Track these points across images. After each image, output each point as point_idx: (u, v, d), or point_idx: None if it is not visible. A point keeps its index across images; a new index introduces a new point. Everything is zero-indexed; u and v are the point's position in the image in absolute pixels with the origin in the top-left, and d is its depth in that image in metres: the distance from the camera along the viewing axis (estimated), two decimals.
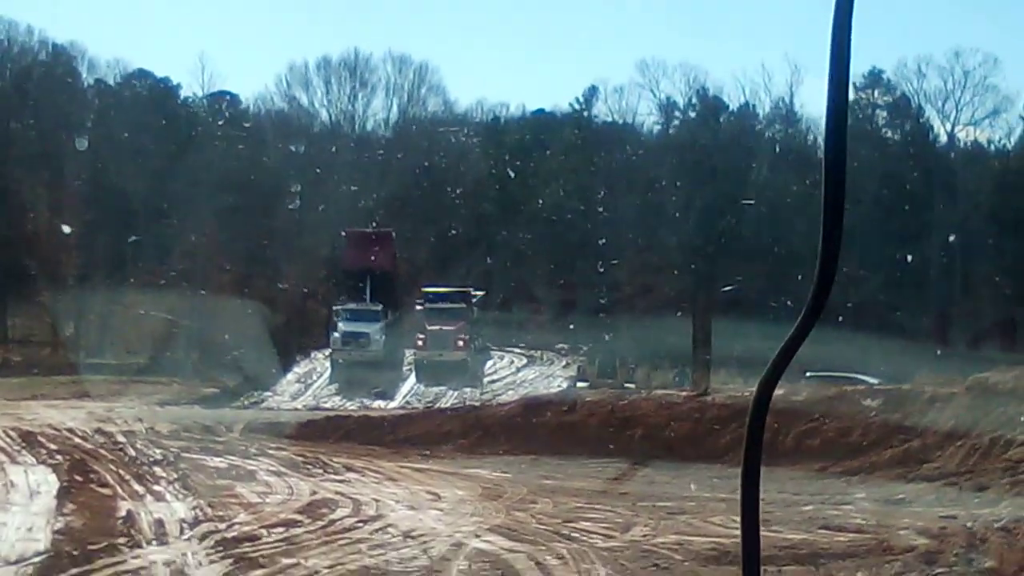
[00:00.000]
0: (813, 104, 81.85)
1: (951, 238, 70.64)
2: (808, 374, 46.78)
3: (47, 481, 26.09)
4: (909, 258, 70.88)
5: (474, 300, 65.02)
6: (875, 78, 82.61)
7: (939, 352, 53.80)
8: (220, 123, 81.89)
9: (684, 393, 40.25)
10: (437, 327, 59.20)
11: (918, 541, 19.45)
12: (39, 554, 17.92)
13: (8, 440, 32.95)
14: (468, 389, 56.60)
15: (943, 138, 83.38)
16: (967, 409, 30.72)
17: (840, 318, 62.88)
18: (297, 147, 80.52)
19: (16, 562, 17.32)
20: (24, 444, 32.48)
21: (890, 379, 43.11)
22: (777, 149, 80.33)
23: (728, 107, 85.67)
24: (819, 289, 1.80)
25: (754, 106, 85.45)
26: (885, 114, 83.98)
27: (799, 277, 54.49)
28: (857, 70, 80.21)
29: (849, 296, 68.78)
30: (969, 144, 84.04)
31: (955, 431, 29.93)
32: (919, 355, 51.89)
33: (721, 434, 32.56)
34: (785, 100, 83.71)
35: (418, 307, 62.15)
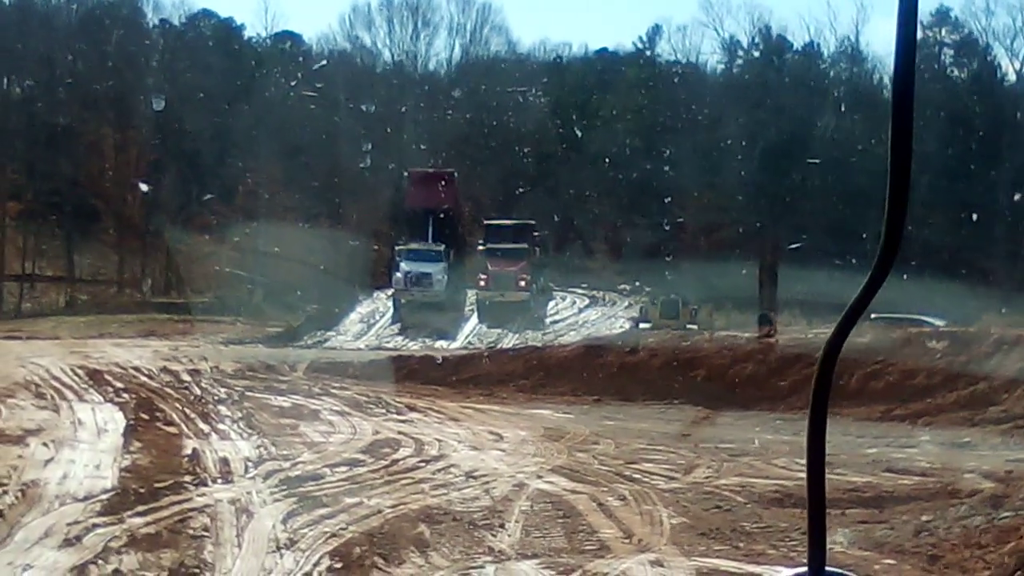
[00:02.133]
0: (879, 43, 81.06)
1: (1019, 178, 69.73)
2: (873, 316, 46.49)
3: (113, 419, 26.37)
4: (976, 199, 70.11)
5: (536, 236, 64.85)
6: (942, 16, 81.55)
7: (1007, 294, 53.22)
8: (284, 63, 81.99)
9: (747, 335, 40.07)
10: (499, 267, 59.14)
11: (984, 485, 19.28)
12: (106, 491, 18.11)
13: (75, 378, 33.36)
14: (530, 330, 56.61)
15: (1011, 77, 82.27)
16: None
17: (908, 260, 62.48)
18: (360, 87, 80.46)
19: (84, 499, 17.50)
20: (91, 382, 32.88)
21: (956, 321, 42.76)
22: (842, 89, 79.54)
23: (792, 46, 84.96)
24: (885, 253, 1.74)
25: (819, 45, 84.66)
26: (952, 53, 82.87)
27: (865, 219, 54.09)
28: (924, 8, 79.23)
29: (915, 237, 68.24)
30: None
31: (1022, 374, 29.62)
32: (987, 297, 51.45)
33: (785, 376, 32.41)
34: (851, 39, 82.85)
35: (480, 247, 62.09)
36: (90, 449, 22.10)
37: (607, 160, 77.06)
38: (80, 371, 34.74)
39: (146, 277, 73.44)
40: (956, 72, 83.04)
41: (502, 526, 17.08)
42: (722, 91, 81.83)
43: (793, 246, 64.69)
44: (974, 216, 70.53)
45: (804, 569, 2.28)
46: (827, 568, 2.33)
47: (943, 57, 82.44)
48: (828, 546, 2.47)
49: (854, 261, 46.12)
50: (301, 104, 74.83)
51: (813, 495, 1.94)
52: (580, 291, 67.81)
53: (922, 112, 65.19)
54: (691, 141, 73.25)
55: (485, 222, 65.62)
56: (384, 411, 30.91)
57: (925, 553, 15.05)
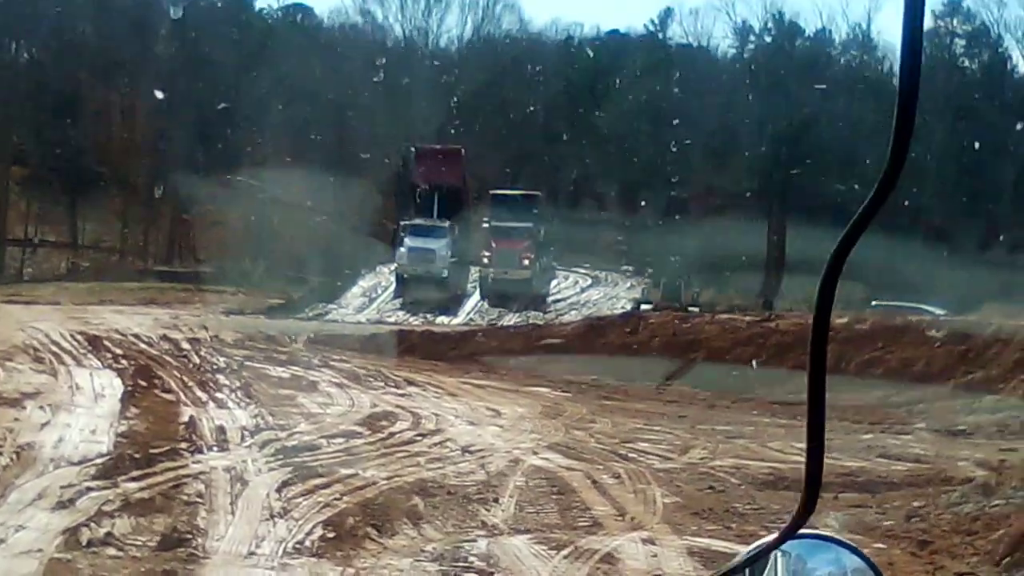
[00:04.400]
0: (890, 31, 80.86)
1: None
2: (874, 303, 46.61)
3: (111, 385, 26.43)
4: (984, 189, 70.07)
5: (540, 209, 64.74)
6: (954, 6, 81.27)
7: (1011, 283, 53.23)
8: (294, 36, 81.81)
9: (748, 318, 40.07)
10: (503, 245, 59.09)
11: (977, 472, 19.32)
12: (101, 456, 18.16)
13: (75, 344, 33.42)
14: (531, 308, 56.65)
15: (1022, 68, 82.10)
16: None
17: (914, 249, 62.48)
18: (370, 62, 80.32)
19: (79, 463, 17.56)
20: (90, 348, 32.95)
21: (958, 310, 42.78)
22: (853, 76, 79.39)
23: (804, 32, 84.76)
24: (893, 160, 1.75)
25: (831, 32, 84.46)
26: (963, 43, 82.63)
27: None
28: None
29: (923, 226, 68.22)
30: None
31: (1020, 364, 29.66)
32: (991, 286, 51.45)
33: (784, 360, 32.41)
34: (862, 26, 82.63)
35: (484, 224, 62.03)
36: (87, 414, 22.17)
37: (615, 141, 76.96)
38: (79, 337, 34.80)
39: (149, 245, 73.47)
40: (967, 63, 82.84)
41: (496, 501, 17.14)
42: (733, 75, 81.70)
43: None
44: (982, 205, 70.55)
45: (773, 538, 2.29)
46: (803, 530, 2.34)
47: (954, 47, 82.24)
48: (819, 528, 2.49)
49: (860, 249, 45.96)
50: (310, 78, 74.67)
51: (813, 421, 1.96)
52: (583, 271, 67.85)
53: (932, 102, 65.18)
54: (700, 124, 73.09)
55: (491, 192, 65.50)
56: (383, 384, 30.96)
57: (915, 538, 15.11)
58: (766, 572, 2.42)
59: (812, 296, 1.93)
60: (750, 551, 2.29)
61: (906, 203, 59.27)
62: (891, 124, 1.76)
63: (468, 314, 56.15)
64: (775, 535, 2.18)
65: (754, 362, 33.66)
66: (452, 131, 74.48)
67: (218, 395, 26.40)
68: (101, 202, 73.18)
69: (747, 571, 2.40)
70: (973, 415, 27.40)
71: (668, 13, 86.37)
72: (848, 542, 2.48)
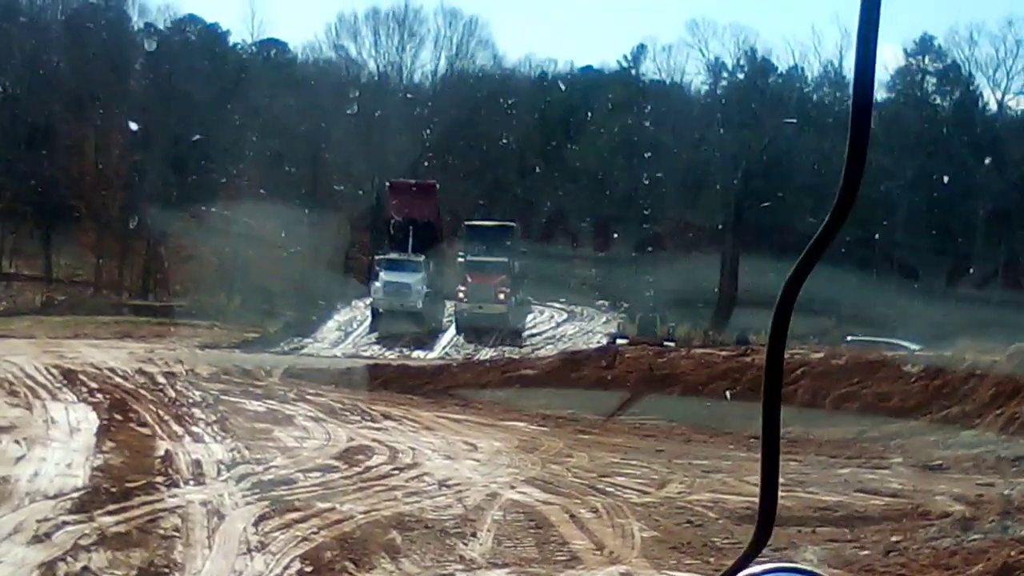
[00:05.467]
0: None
1: (996, 207, 70.12)
2: (849, 338, 46.73)
3: (87, 419, 26.30)
4: (956, 226, 70.46)
5: (515, 241, 64.76)
6: (926, 44, 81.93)
7: (984, 318, 53.41)
8: (268, 71, 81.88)
9: (724, 353, 40.12)
10: (478, 279, 59.11)
11: (954, 507, 19.37)
12: (77, 490, 18.07)
13: (50, 377, 33.25)
14: (507, 342, 56.67)
15: (992, 107, 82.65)
16: (1008, 377, 30.51)
17: (886, 284, 62.69)
18: (344, 97, 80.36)
19: (55, 497, 17.47)
20: (65, 382, 32.78)
21: (931, 345, 42.90)
22: (825, 112, 79.82)
23: (777, 69, 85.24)
24: (845, 189, 1.78)
25: (803, 69, 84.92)
26: (935, 81, 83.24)
27: (851, 242, 54.23)
28: (908, 36, 79.78)
29: (894, 262, 68.54)
30: (1020, 113, 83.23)
31: (995, 399, 29.75)
32: (963, 320, 51.60)
33: (760, 395, 32.40)
34: (834, 63, 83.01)
35: (460, 259, 62.04)
36: (62, 448, 22.04)
37: (589, 176, 77.23)
38: (54, 370, 34.63)
39: (123, 279, 73.25)
40: (938, 100, 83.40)
41: (474, 535, 17.10)
42: (705, 111, 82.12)
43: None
44: (952, 242, 70.93)
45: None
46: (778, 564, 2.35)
47: (925, 85, 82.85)
48: (798, 563, 2.49)
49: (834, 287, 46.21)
50: (284, 112, 74.72)
51: (767, 450, 1.97)
52: (558, 305, 67.90)
53: (903, 139, 65.60)
54: (672, 160, 73.46)
55: (466, 223, 65.50)
56: (359, 418, 30.89)
57: (894, 572, 15.12)
58: None
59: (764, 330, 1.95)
60: None
61: (876, 238, 59.67)
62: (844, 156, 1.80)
63: (444, 348, 56.13)
64: (734, 561, 2.18)
65: (728, 393, 33.73)
66: (426, 165, 74.64)
67: (194, 429, 26.29)
68: (75, 235, 72.95)
69: None
70: (950, 449, 27.47)
71: (641, 49, 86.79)
72: (822, 574, 2.47)
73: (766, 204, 72.07)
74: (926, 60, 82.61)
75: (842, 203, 1.78)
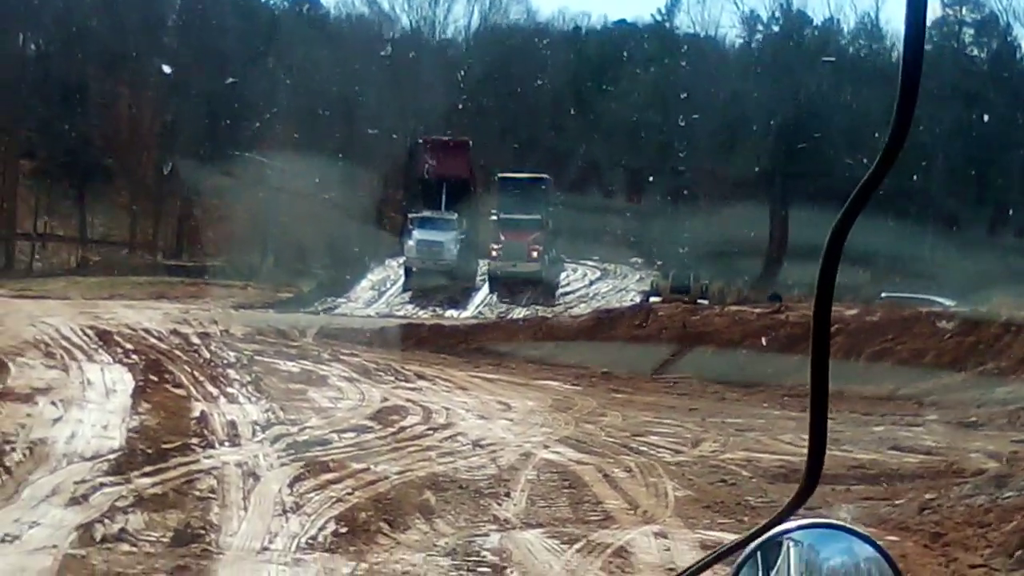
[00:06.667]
0: (898, 20, 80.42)
1: None
2: (883, 294, 46.52)
3: (122, 380, 26.42)
4: (995, 179, 69.95)
5: (549, 193, 64.54)
6: None
7: (1021, 271, 53.13)
8: (301, 26, 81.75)
9: (758, 310, 40.04)
10: (511, 237, 59.01)
11: (988, 464, 19.31)
12: (114, 451, 18.16)
13: (85, 339, 33.42)
14: (540, 301, 56.64)
15: None
16: None
17: (924, 239, 62.29)
18: (376, 52, 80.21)
19: (91, 458, 17.55)
20: (100, 343, 32.94)
21: (967, 299, 42.72)
22: (861, 65, 79.25)
23: (812, 21, 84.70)
24: (897, 128, 1.76)
25: (839, 21, 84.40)
26: (971, 32, 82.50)
27: (883, 198, 53.68)
28: None
29: (933, 217, 68.09)
30: None
31: None
32: (1000, 273, 51.33)
33: (794, 352, 32.38)
34: (871, 15, 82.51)
35: (492, 217, 61.94)
36: (98, 409, 22.15)
37: (623, 131, 76.91)
38: (90, 331, 34.79)
39: (158, 239, 73.53)
40: (975, 51, 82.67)
41: (507, 495, 17.13)
42: (740, 65, 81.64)
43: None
44: (991, 195, 70.45)
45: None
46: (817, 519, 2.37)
47: (962, 36, 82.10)
48: (830, 520, 2.49)
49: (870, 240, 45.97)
50: (317, 68, 74.65)
51: (816, 405, 1.96)
52: (592, 263, 67.77)
53: (940, 90, 65.02)
54: (707, 114, 73.02)
55: (498, 175, 65.24)
56: (393, 378, 30.98)
57: (928, 531, 15.07)
58: (778, 560, 2.42)
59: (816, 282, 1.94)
60: (754, 531, 2.30)
61: (914, 189, 59.22)
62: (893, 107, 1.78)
63: (477, 307, 56.13)
64: (782, 508, 2.19)
65: (761, 353, 33.69)
66: (459, 120, 74.44)
67: (229, 390, 26.39)
68: (109, 195, 73.28)
69: (758, 555, 2.41)
70: (984, 406, 27.38)
71: (675, 3, 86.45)
72: (862, 532, 2.48)
73: (804, 156, 71.61)
74: (963, 11, 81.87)
75: (892, 145, 1.76)
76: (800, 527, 2.37)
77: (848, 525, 2.50)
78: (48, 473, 16.45)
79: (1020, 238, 68.07)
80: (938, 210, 69.51)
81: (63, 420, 20.66)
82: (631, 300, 55.81)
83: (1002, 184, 71.28)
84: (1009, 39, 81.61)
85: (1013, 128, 70.82)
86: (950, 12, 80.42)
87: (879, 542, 2.45)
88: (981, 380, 29.66)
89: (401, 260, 61.39)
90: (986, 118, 70.06)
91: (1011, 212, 70.26)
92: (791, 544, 2.42)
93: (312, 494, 16.12)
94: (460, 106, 76.95)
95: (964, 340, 31.95)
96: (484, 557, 13.70)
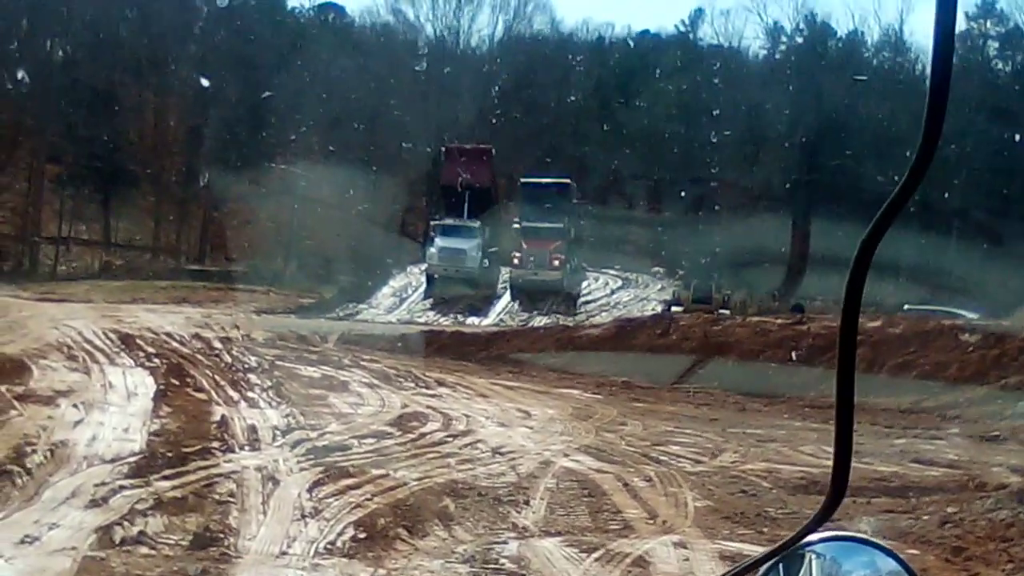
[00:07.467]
0: (922, 32, 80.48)
1: None
2: (906, 307, 46.39)
3: (144, 383, 26.49)
4: (1018, 190, 69.65)
5: (575, 200, 64.66)
6: (987, 8, 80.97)
7: None
8: (326, 35, 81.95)
9: (779, 321, 39.95)
10: (533, 246, 59.01)
11: (1011, 479, 19.20)
12: (134, 454, 18.19)
13: (107, 342, 33.54)
14: (562, 309, 56.64)
15: None
16: None
17: (948, 252, 62.02)
18: (401, 61, 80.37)
19: (112, 461, 17.59)
20: (123, 346, 33.06)
21: (991, 312, 42.56)
22: (885, 78, 79.09)
23: (836, 34, 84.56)
24: (925, 144, 1.75)
25: (863, 33, 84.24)
26: (997, 45, 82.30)
27: (909, 206, 53.31)
28: (970, 0, 78.71)
29: (957, 230, 67.84)
30: None
31: None
32: None
33: (816, 364, 32.30)
34: (895, 28, 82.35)
35: (515, 225, 61.96)
36: (119, 412, 22.21)
37: (646, 141, 76.89)
38: (112, 335, 34.93)
39: (181, 244, 73.75)
40: (1000, 65, 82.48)
41: (527, 503, 17.10)
42: (764, 76, 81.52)
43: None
44: (1016, 207, 70.10)
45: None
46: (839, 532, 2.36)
47: (987, 49, 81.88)
48: (852, 533, 2.48)
49: (894, 253, 45.86)
50: (342, 77, 74.80)
51: (841, 422, 1.95)
52: (613, 272, 67.73)
53: (966, 104, 64.83)
54: (730, 125, 72.94)
55: (521, 180, 65.24)
56: (413, 385, 30.99)
57: (949, 544, 15.00)
58: (800, 573, 2.41)
59: (840, 294, 1.93)
60: (780, 545, 2.29)
61: (938, 205, 59.01)
62: (922, 120, 1.76)
63: (498, 315, 56.17)
64: (807, 523, 2.18)
65: (787, 361, 33.62)
66: (482, 129, 74.46)
67: (249, 394, 26.44)
68: (134, 200, 73.54)
69: (780, 567, 2.39)
70: (1007, 420, 27.26)
71: (699, 14, 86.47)
72: (884, 545, 2.46)
73: (825, 172, 71.48)
74: (988, 24, 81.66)
75: (920, 162, 1.75)
76: (822, 539, 2.35)
77: (870, 538, 2.48)
78: (69, 475, 16.48)
79: None
80: (961, 222, 69.27)
81: (84, 422, 20.72)
82: (652, 310, 55.77)
83: None
84: None
85: None
86: (975, 26, 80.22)
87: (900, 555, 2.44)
88: (1004, 394, 29.53)
89: (423, 267, 61.46)
90: (1011, 131, 69.71)
91: None
92: (813, 557, 2.40)
93: (331, 499, 16.12)
94: (484, 115, 77.01)
95: (987, 353, 31.83)
96: (502, 565, 13.68)
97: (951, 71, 1.72)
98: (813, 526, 2.15)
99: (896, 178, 1.82)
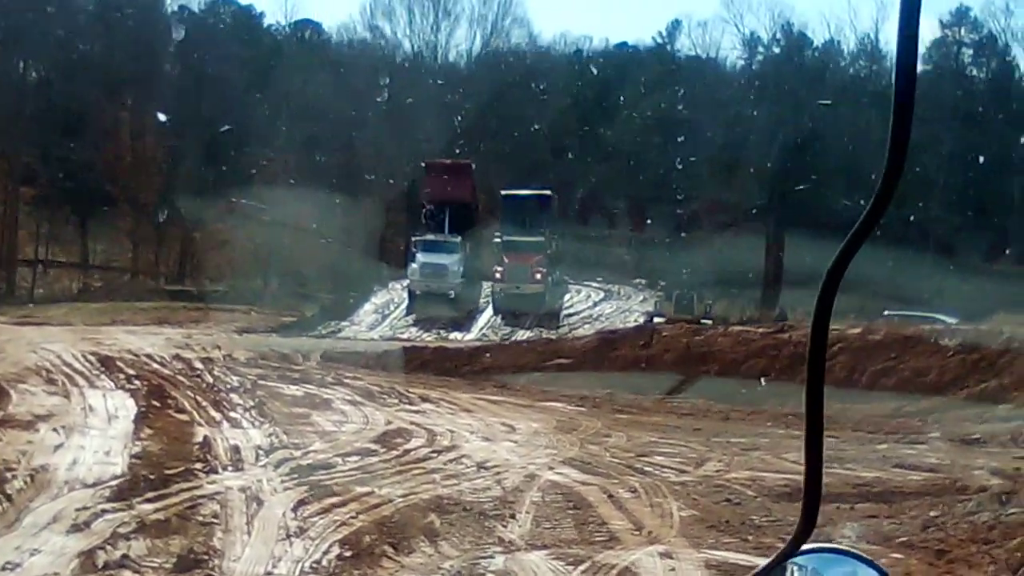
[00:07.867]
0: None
1: None
2: (886, 312, 46.52)
3: (125, 406, 26.40)
4: (992, 199, 69.91)
5: (554, 209, 64.73)
6: (961, 15, 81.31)
7: (1020, 293, 53.06)
8: (303, 52, 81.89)
9: (761, 330, 40.01)
10: (515, 260, 58.96)
11: (992, 481, 19.27)
12: (116, 477, 18.13)
13: (87, 364, 33.41)
14: (544, 323, 56.62)
15: None
16: None
17: (924, 258, 62.22)
18: (379, 77, 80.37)
19: (94, 485, 17.53)
20: (103, 369, 32.93)
21: (969, 319, 42.68)
22: (861, 86, 79.31)
23: (812, 43, 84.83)
24: (889, 171, 1.75)
25: (839, 42, 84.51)
26: (970, 52, 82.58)
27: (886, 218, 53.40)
28: (944, 7, 79.04)
29: (931, 237, 68.05)
30: None
31: None
32: (1000, 296, 51.31)
33: (798, 372, 32.32)
34: (871, 37, 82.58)
35: (496, 239, 61.93)
36: (100, 435, 22.13)
37: (624, 155, 76.95)
38: (92, 357, 34.78)
39: (160, 264, 73.56)
40: (974, 72, 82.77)
41: (512, 516, 17.10)
42: (741, 87, 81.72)
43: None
44: (990, 216, 70.40)
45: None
46: (819, 544, 2.35)
47: (961, 57, 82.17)
48: (836, 540, 2.48)
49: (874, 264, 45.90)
50: (319, 94, 74.73)
51: (811, 445, 1.96)
52: (595, 285, 67.71)
53: (939, 112, 65.02)
54: (709, 137, 73.04)
55: (502, 192, 65.26)
56: (397, 401, 30.95)
57: (932, 548, 15.05)
58: None
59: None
60: (756, 572, 2.29)
61: (912, 216, 59.17)
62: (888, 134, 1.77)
63: (481, 329, 56.12)
64: (780, 551, 2.18)
65: (763, 380, 33.62)
66: (461, 145, 74.47)
67: (232, 414, 26.37)
68: (111, 221, 73.27)
69: None
70: (987, 424, 27.35)
71: (676, 25, 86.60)
72: (864, 555, 2.47)
73: (804, 184, 71.63)
74: (962, 31, 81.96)
75: (886, 187, 1.76)
76: (803, 552, 2.36)
77: (851, 549, 2.48)
78: (50, 500, 16.42)
79: (1019, 262, 68.11)
80: (936, 233, 69.44)
81: (65, 447, 20.64)
82: (635, 321, 55.76)
83: (1001, 206, 71.17)
84: (1008, 59, 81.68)
85: (1012, 149, 70.72)
86: (948, 33, 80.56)
87: (883, 560, 2.44)
88: (983, 398, 29.66)
89: (405, 283, 61.38)
90: (984, 140, 69.93)
91: (1010, 235, 70.32)
92: (795, 569, 2.41)
93: (316, 518, 16.09)
94: (462, 131, 76.97)
95: (966, 358, 31.97)
96: None
97: (915, 92, 1.73)
98: (792, 548, 2.15)
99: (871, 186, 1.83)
